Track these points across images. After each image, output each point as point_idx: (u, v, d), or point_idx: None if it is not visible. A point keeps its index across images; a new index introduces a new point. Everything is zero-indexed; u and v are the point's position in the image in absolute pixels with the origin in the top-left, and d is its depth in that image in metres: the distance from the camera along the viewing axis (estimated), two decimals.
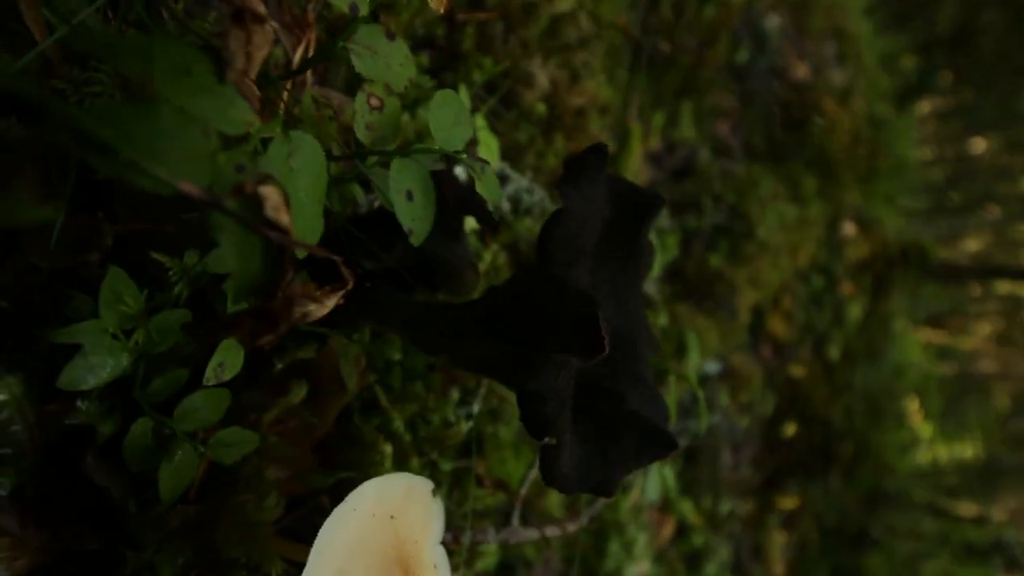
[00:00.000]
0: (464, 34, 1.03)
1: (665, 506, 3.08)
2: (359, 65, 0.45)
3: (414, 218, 0.46)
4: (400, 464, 0.70)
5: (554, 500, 1.25)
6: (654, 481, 1.04)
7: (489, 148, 0.84)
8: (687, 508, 3.07)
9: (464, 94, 0.95)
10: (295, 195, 0.35)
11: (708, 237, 3.89)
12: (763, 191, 4.03)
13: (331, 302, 0.48)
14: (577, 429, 0.57)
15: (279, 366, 0.63)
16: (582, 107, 1.34)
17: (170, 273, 0.50)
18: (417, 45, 1.00)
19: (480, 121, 0.89)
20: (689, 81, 3.86)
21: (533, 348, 0.49)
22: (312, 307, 0.46)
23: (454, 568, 0.89)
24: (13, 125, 0.51)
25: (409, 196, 0.46)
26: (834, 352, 4.24)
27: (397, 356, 0.78)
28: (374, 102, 0.47)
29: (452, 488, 0.86)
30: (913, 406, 5.00)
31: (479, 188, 0.49)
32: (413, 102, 0.91)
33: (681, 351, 3.25)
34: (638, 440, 0.58)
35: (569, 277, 0.47)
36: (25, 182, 0.54)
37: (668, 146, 3.91)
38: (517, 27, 1.10)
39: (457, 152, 0.47)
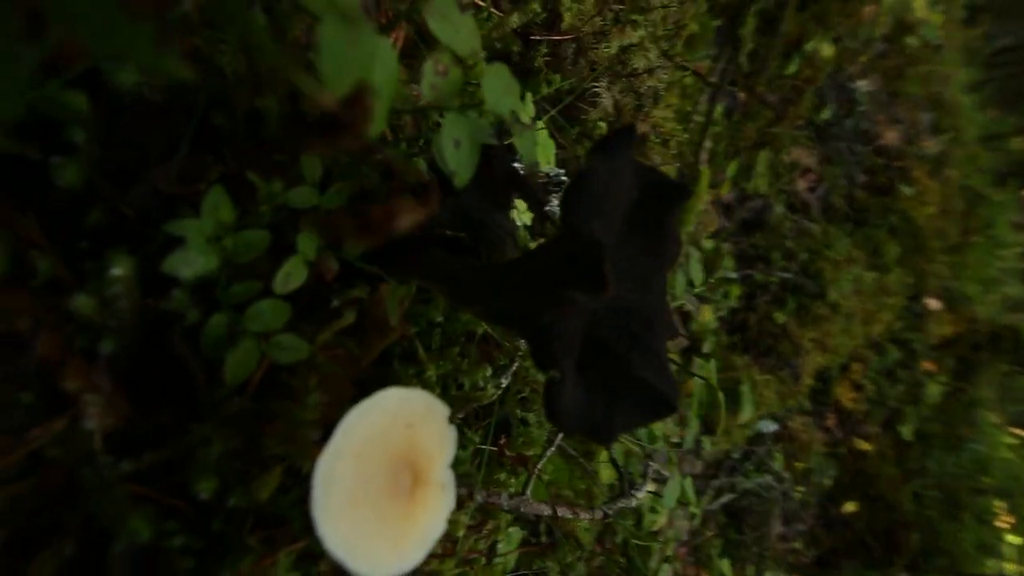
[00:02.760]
0: (537, 52, 1.14)
1: (700, 559, 2.94)
2: (433, 26, 0.55)
3: (458, 163, 0.55)
4: None
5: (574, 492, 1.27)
6: (673, 487, 1.04)
7: (546, 150, 0.93)
8: (726, 568, 2.92)
9: (529, 101, 1.05)
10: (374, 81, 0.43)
11: (775, 292, 3.79)
12: (838, 252, 3.90)
13: (424, 212, 0.57)
14: (584, 378, 0.62)
15: (336, 303, 0.73)
16: (644, 133, 1.41)
17: (258, 194, 0.61)
18: (494, 58, 1.12)
19: (541, 126, 0.98)
20: (767, 134, 3.85)
21: (547, 291, 0.55)
22: (407, 216, 0.55)
23: (470, 528, 0.94)
24: (150, 84, 0.65)
25: (456, 144, 0.55)
26: (907, 431, 3.96)
27: (439, 318, 0.86)
28: (440, 68, 0.56)
29: (474, 456, 0.92)
30: (999, 507, 4.55)
31: (516, 143, 0.58)
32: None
33: (734, 403, 3.16)
34: (641, 399, 0.62)
35: (584, 228, 0.54)
36: (158, 131, 0.67)
37: (740, 197, 3.89)
38: (587, 50, 1.20)
39: (503, 115, 0.56)
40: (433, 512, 0.59)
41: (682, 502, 1.47)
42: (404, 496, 0.56)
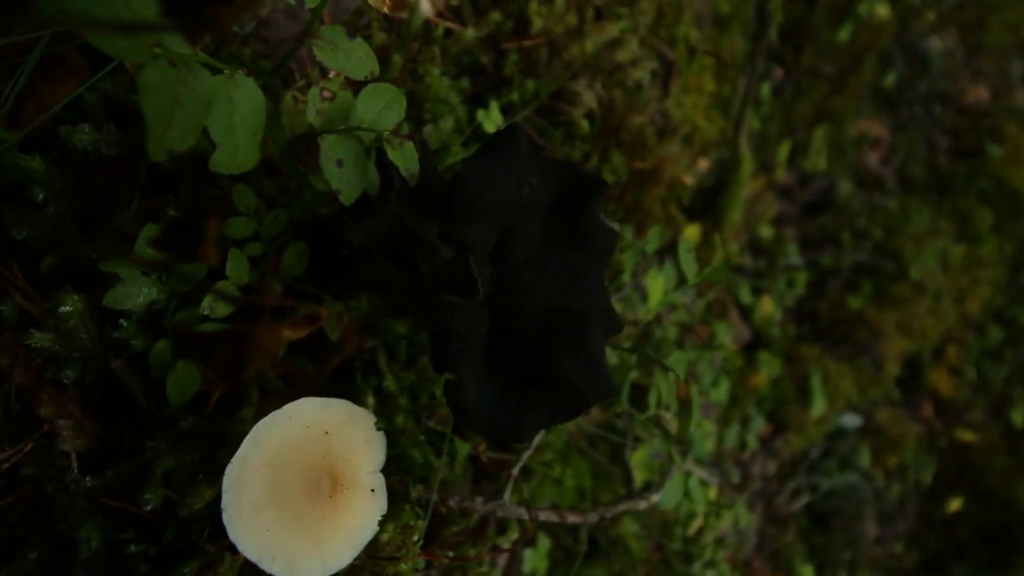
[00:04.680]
0: (507, 60, 1.15)
1: (779, 564, 2.78)
2: (320, 56, 0.58)
3: (342, 182, 0.58)
4: (385, 418, 0.80)
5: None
6: (674, 486, 1.00)
7: None
8: (809, 575, 2.73)
9: (494, 109, 1.06)
10: (229, 119, 0.47)
11: (847, 276, 3.55)
12: (918, 226, 3.59)
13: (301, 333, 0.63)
14: (497, 380, 0.63)
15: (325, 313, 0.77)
16: (642, 125, 1.38)
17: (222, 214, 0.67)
18: (466, 72, 1.14)
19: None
20: (826, 108, 3.62)
21: (434, 297, 0.56)
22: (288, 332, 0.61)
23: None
24: (112, 133, 0.73)
25: (339, 164, 0.57)
26: (1020, 417, 3.56)
27: (403, 330, 0.89)
28: (326, 94, 0.59)
29: (451, 457, 0.93)
30: None
31: (392, 156, 0.59)
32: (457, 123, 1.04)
33: (805, 397, 2.99)
34: (558, 397, 0.62)
35: (460, 232, 0.55)
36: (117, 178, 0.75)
37: (801, 178, 3.67)
38: (561, 51, 1.20)
39: (383, 132, 0.58)
40: (359, 514, 0.61)
41: (714, 503, 1.40)
42: (323, 500, 0.59)
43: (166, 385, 0.66)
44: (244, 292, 0.69)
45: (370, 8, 0.95)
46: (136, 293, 0.63)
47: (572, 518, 0.95)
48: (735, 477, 2.24)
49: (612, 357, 1.04)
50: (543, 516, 0.91)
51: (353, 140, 0.58)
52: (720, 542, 1.64)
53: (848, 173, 3.63)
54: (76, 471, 0.65)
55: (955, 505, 3.31)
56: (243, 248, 0.71)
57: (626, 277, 1.02)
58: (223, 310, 0.65)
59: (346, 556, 0.60)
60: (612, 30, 1.25)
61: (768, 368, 2.91)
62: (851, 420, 3.29)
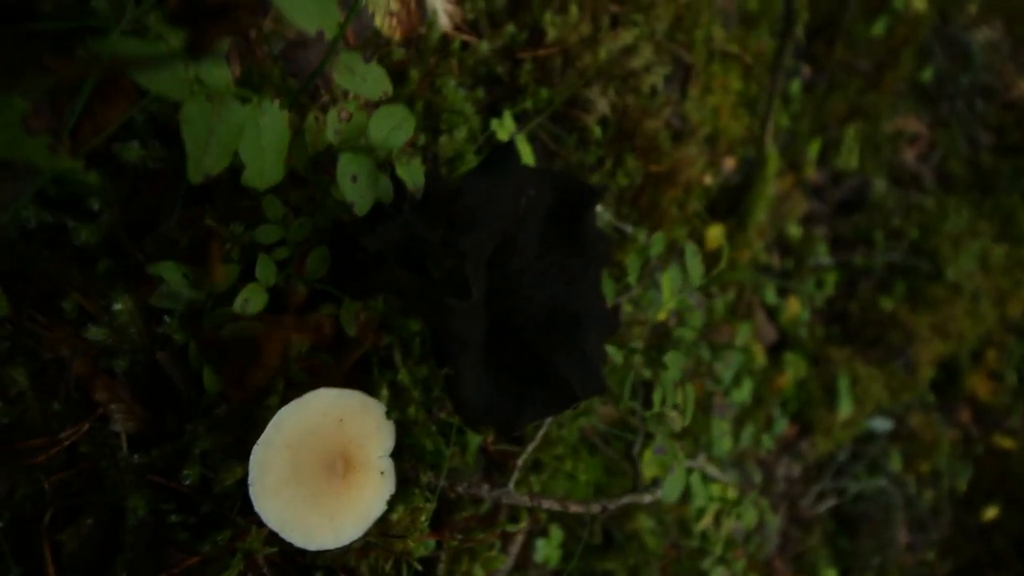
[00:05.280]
0: (522, 69, 1.20)
1: (803, 567, 2.77)
2: (338, 79, 0.65)
3: (356, 194, 0.64)
4: (399, 409, 0.87)
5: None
6: (674, 480, 1.04)
7: (526, 153, 1.01)
8: None
9: (508, 118, 1.12)
10: (257, 142, 0.54)
11: (880, 277, 3.48)
12: (957, 226, 3.50)
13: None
14: (497, 376, 0.68)
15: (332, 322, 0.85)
16: (657, 129, 1.41)
17: (224, 237, 0.75)
18: (482, 82, 1.20)
19: (521, 137, 1.06)
20: (860, 105, 3.55)
21: (435, 299, 0.62)
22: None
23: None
24: (157, 150, 0.81)
25: (354, 179, 0.64)
26: None
27: (416, 328, 0.96)
28: (343, 115, 0.66)
29: (462, 448, 1.00)
30: None
31: (399, 172, 0.66)
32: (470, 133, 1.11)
33: (831, 399, 2.96)
34: (551, 393, 0.67)
35: (459, 241, 0.60)
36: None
37: (833, 176, 3.62)
38: (575, 59, 1.24)
39: (392, 149, 0.64)
40: (369, 493, 0.68)
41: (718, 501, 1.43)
42: (337, 479, 0.66)
43: (202, 377, 0.74)
44: (272, 293, 0.77)
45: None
46: (178, 294, 0.72)
47: (575, 507, 1.00)
48: (757, 478, 2.25)
49: (618, 356, 1.08)
50: (547, 504, 0.96)
51: (367, 157, 0.64)
52: (732, 540, 1.67)
53: (882, 171, 3.55)
54: (126, 450, 0.74)
55: (991, 513, 3.22)
56: (271, 252, 0.78)
57: (632, 279, 1.07)
58: (254, 308, 0.72)
59: (357, 530, 0.67)
60: (626, 37, 1.29)
61: (794, 369, 2.89)
62: (882, 424, 3.23)
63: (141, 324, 0.75)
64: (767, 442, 1.77)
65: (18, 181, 0.74)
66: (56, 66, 0.78)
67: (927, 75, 3.46)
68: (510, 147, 0.64)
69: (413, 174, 0.65)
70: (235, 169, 0.83)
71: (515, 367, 0.70)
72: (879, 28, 3.11)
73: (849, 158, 3.35)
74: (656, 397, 1.07)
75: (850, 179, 3.45)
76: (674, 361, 0.90)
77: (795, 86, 2.98)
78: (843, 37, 3.02)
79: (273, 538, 0.72)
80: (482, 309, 0.67)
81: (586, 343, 0.72)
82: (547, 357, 0.70)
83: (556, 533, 1.44)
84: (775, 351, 2.79)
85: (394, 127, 0.65)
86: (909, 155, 3.75)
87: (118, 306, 0.70)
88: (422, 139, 1.00)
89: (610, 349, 1.10)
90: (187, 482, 0.71)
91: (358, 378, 0.91)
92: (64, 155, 0.46)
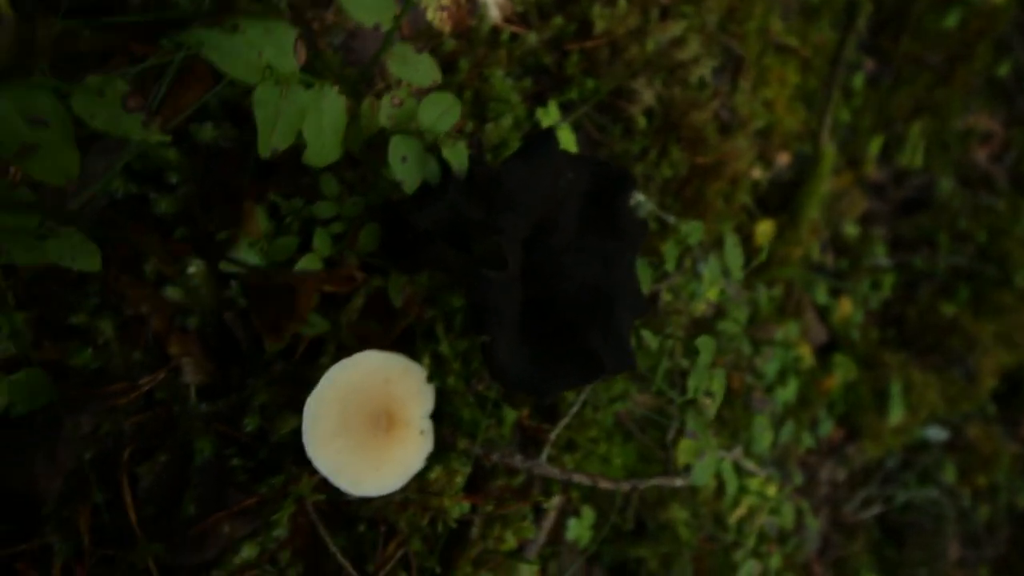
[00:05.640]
0: (569, 60, 1.24)
1: (844, 573, 2.71)
2: (392, 69, 0.70)
3: (405, 175, 0.70)
4: (439, 377, 0.92)
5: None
6: (705, 465, 1.06)
7: (568, 141, 1.05)
8: None
9: (553, 107, 1.15)
10: (318, 123, 0.60)
11: (942, 280, 3.34)
12: None
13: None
14: (534, 347, 0.73)
15: (361, 292, 0.92)
16: (704, 121, 1.42)
17: (283, 210, 0.82)
18: (530, 73, 1.24)
19: (565, 126, 1.10)
20: (928, 100, 3.41)
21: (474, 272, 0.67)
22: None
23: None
24: (228, 130, 0.89)
25: (404, 160, 0.69)
26: None
27: (459, 304, 1.01)
28: (396, 101, 0.72)
29: (499, 421, 1.05)
30: None
31: (445, 154, 0.70)
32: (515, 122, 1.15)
33: (882, 404, 2.87)
34: (583, 365, 0.71)
35: (496, 220, 0.65)
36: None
37: (896, 175, 3.49)
38: (622, 51, 1.26)
39: (438, 134, 0.69)
40: (410, 449, 0.74)
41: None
42: (382, 433, 0.72)
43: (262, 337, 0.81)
44: (327, 264, 0.84)
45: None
46: (246, 259, 0.79)
47: (605, 484, 1.03)
48: (798, 478, 2.22)
49: (653, 342, 1.11)
50: (577, 478, 1.01)
51: (416, 140, 0.70)
52: (767, 535, 1.67)
53: (950, 170, 3.39)
54: (195, 399, 0.82)
55: None
56: (327, 227, 0.85)
57: (670, 266, 1.09)
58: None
59: (398, 481, 0.73)
60: (675, 29, 1.30)
61: (843, 371, 2.81)
62: (937, 433, 3.11)
63: (212, 287, 0.83)
64: (807, 439, 1.75)
65: (109, 155, 0.83)
66: (143, 53, 0.87)
67: (1004, 70, 3.28)
68: (549, 133, 0.68)
69: (458, 156, 0.70)
70: (296, 149, 0.91)
71: (549, 339, 0.74)
72: (952, 20, 2.96)
73: (914, 156, 3.22)
74: (690, 384, 1.09)
75: (914, 178, 3.31)
76: (705, 345, 0.92)
77: (858, 80, 2.87)
78: (911, 29, 2.90)
79: (322, 486, 0.79)
80: (519, 283, 0.71)
81: (619, 322, 0.75)
82: (581, 332, 0.74)
83: (588, 513, 1.47)
84: (824, 352, 2.73)
85: (442, 113, 0.70)
86: (980, 155, 3.56)
87: (192, 269, 0.79)
88: (469, 126, 1.05)
89: (646, 334, 1.13)
90: (248, 430, 0.79)
91: (403, 347, 0.98)
92: (155, 130, 0.53)
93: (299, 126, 0.58)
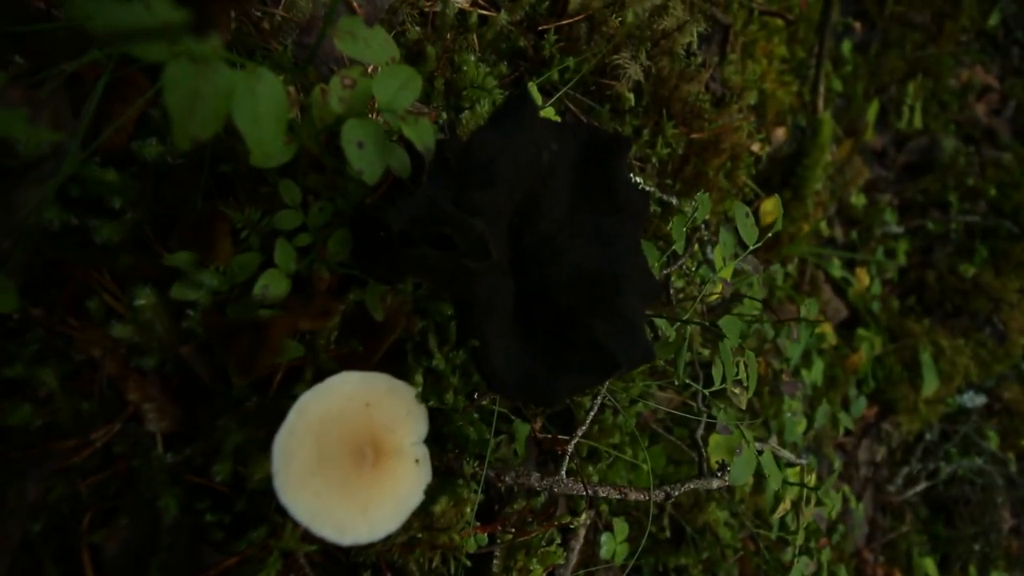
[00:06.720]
0: (546, 41, 1.15)
1: (895, 557, 2.56)
2: (340, 46, 0.61)
3: (363, 162, 0.60)
4: (435, 395, 0.82)
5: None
6: (743, 462, 0.95)
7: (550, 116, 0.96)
8: (929, 568, 2.49)
9: (533, 90, 1.06)
10: (253, 110, 0.51)
11: (958, 241, 3.22)
12: None
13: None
14: (528, 345, 0.62)
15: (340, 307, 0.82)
16: (696, 93, 1.33)
17: (237, 223, 0.73)
18: (506, 57, 1.15)
19: (548, 110, 1.00)
20: (920, 60, 3.32)
21: (454, 265, 0.57)
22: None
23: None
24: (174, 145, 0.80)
25: (360, 145, 0.60)
26: None
27: (451, 312, 0.91)
28: (347, 81, 0.62)
29: (510, 437, 0.94)
30: None
31: (407, 132, 0.61)
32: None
33: (914, 376, 2.74)
34: (590, 362, 0.61)
35: (473, 197, 0.55)
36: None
37: (895, 139, 3.38)
38: (601, 25, 1.18)
39: (397, 110, 0.60)
40: (404, 482, 0.64)
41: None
42: (368, 467, 0.62)
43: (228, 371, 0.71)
44: (295, 279, 0.74)
45: (403, 5, 0.98)
46: (199, 284, 0.69)
47: (635, 495, 0.92)
48: (836, 463, 2.09)
49: (670, 331, 1.00)
50: (603, 492, 0.90)
51: (372, 122, 0.60)
52: (815, 529, 1.54)
53: (951, 129, 3.29)
54: (160, 449, 0.72)
55: None
56: (292, 239, 0.75)
57: (678, 246, 0.99)
58: (275, 293, 0.69)
59: (393, 522, 0.62)
60: None
61: (869, 346, 2.69)
62: (972, 399, 2.97)
63: (166, 320, 0.73)
64: (845, 420, 1.63)
65: (40, 185, 0.74)
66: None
67: (993, 21, 3.19)
68: (524, 95, 0.59)
69: (421, 135, 0.60)
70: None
71: (550, 336, 0.63)
72: None
73: (912, 118, 3.12)
74: (716, 373, 0.99)
75: (915, 140, 3.21)
76: (730, 326, 0.82)
77: (846, 47, 2.79)
78: None
79: (311, 535, 0.69)
80: (508, 274, 0.61)
81: (627, 308, 0.65)
82: (585, 324, 0.64)
83: (621, 527, 1.35)
84: (846, 328, 2.61)
85: (400, 87, 0.61)
86: (980, 109, 3.46)
87: (140, 301, 0.69)
88: (443, 117, 0.96)
89: (661, 323, 1.02)
90: (218, 478, 0.68)
91: (393, 366, 0.87)
92: (45, 129, 0.43)
93: (224, 111, 0.49)
